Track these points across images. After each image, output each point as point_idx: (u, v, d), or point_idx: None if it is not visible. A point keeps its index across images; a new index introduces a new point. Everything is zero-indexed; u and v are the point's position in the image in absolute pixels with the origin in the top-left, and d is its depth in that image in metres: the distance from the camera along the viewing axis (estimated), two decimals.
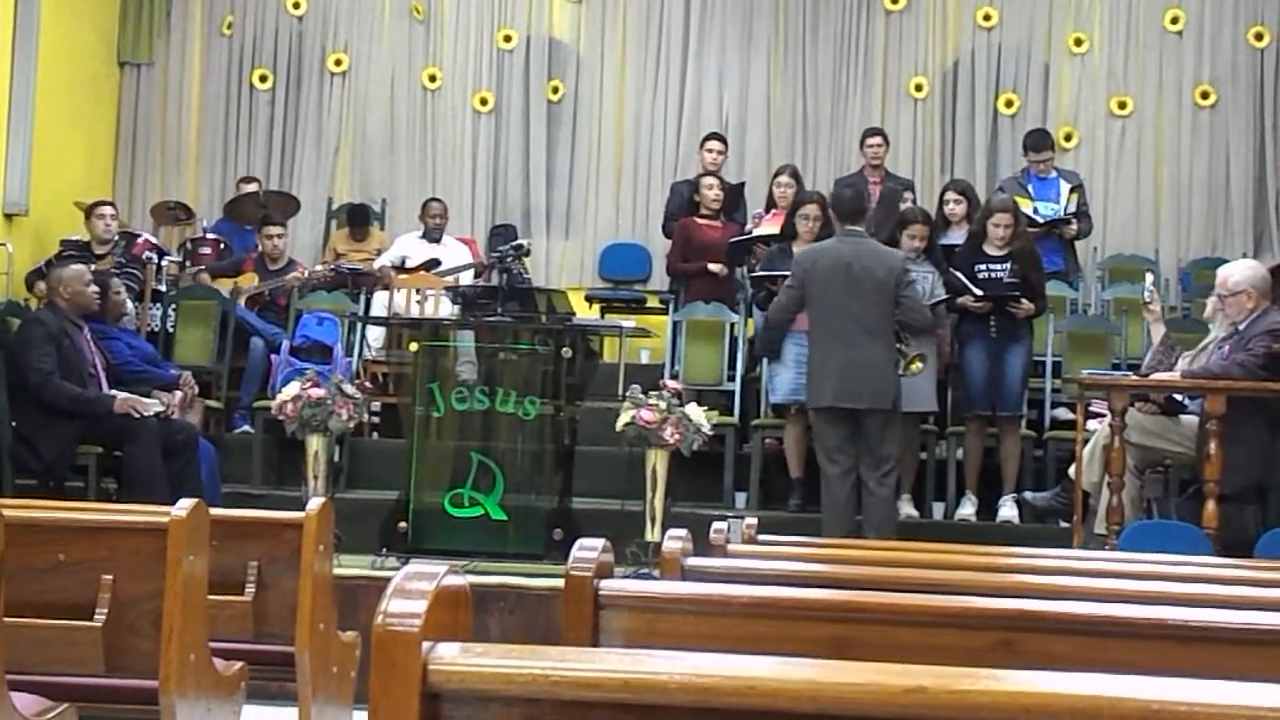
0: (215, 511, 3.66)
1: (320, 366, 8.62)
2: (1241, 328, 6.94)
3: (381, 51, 12.26)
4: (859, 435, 7.40)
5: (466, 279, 10.06)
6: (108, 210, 9.70)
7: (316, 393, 7.51)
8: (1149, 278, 8.01)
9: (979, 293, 8.06)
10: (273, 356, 9.19)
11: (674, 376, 8.90)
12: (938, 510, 8.50)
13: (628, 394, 7.38)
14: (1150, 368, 7.48)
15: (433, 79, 12.22)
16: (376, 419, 9.44)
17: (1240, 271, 7.16)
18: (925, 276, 8.12)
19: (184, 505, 3.41)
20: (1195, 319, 8.53)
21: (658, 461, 7.27)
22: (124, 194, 11.82)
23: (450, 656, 1.63)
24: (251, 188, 11.18)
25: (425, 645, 1.63)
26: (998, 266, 8.17)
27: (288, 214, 10.67)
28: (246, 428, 9.22)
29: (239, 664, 3.80)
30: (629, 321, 8.60)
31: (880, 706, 1.54)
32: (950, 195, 9.10)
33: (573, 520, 7.11)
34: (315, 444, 7.51)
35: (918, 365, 7.60)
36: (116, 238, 9.63)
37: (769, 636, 2.47)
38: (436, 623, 1.65)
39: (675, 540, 3.20)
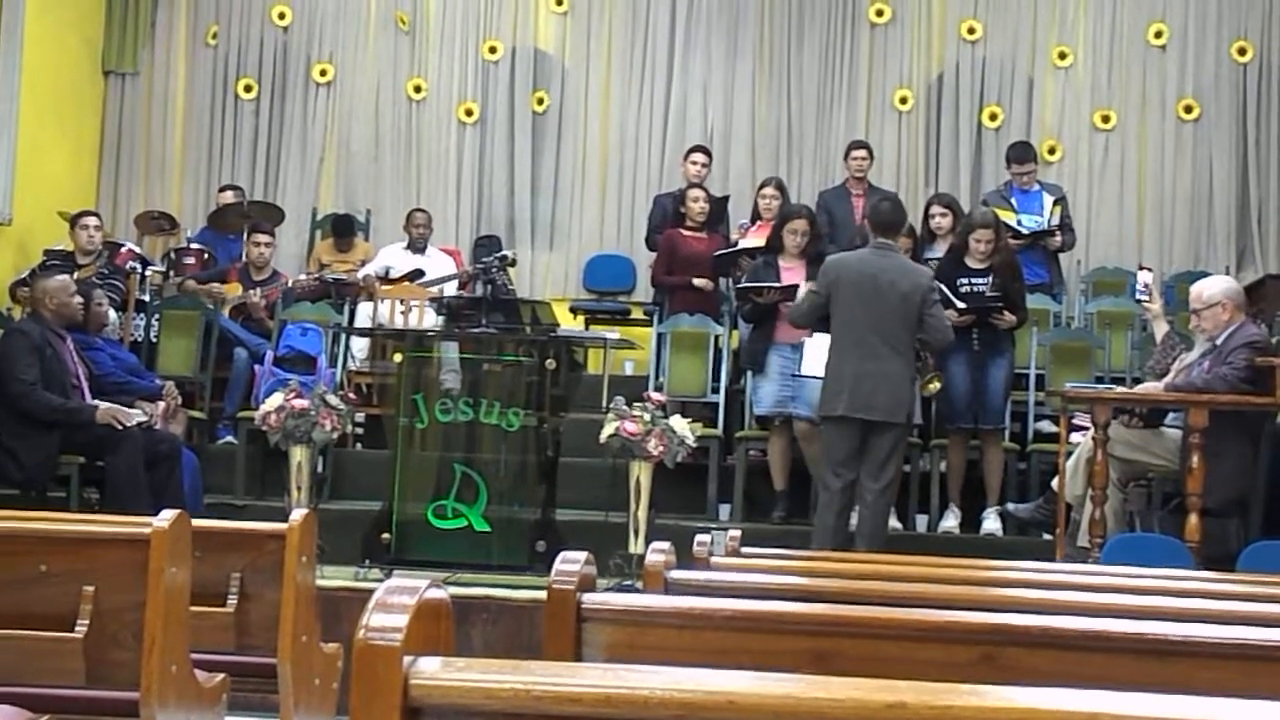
0: (197, 522, 3.64)
1: (304, 377, 8.59)
2: (1219, 342, 6.97)
3: (366, 62, 12.25)
4: (864, 450, 7.29)
5: (451, 290, 10.06)
6: (91, 221, 9.70)
7: (300, 403, 7.50)
8: (1143, 275, 7.94)
9: (962, 305, 8.07)
10: (256, 367, 9.18)
11: (658, 388, 8.91)
12: (921, 523, 8.50)
13: (611, 406, 7.38)
14: (1150, 369, 7.50)
15: (418, 90, 12.22)
16: (360, 430, 9.42)
17: (1214, 285, 7.23)
18: None
19: (166, 516, 3.40)
20: (1179, 331, 8.54)
21: (641, 473, 7.27)
22: (108, 204, 11.79)
23: (431, 671, 1.63)
24: (227, 196, 11.14)
25: (406, 660, 1.63)
26: (979, 280, 8.18)
27: (272, 224, 10.65)
28: (229, 438, 9.20)
29: (221, 675, 3.79)
30: (613, 333, 8.61)
31: None
32: (936, 209, 9.13)
33: (556, 532, 7.10)
34: (298, 455, 7.51)
35: (935, 385, 7.63)
36: (100, 248, 9.62)
37: (751, 650, 2.47)
38: (418, 636, 1.65)
39: (658, 553, 3.20)
